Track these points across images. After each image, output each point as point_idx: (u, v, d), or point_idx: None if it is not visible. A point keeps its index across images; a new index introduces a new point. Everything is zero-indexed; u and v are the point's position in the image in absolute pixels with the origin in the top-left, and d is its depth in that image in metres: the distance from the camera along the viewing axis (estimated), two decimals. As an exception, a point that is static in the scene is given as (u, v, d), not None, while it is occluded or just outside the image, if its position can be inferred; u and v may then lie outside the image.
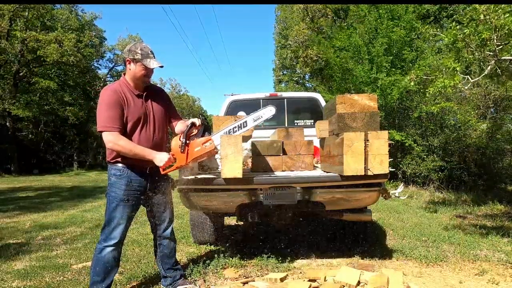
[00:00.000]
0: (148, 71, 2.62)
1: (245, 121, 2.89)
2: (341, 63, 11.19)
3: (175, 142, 2.64)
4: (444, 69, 4.76)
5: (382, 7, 10.77)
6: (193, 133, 2.70)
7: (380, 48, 10.35)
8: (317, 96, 5.64)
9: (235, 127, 2.84)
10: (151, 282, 3.06)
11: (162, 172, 2.60)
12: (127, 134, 2.57)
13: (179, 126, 2.90)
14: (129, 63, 2.63)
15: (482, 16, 4.18)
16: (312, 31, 19.57)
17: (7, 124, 22.56)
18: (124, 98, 2.57)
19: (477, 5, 4.26)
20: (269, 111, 2.93)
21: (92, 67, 29.83)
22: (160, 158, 2.55)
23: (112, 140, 2.49)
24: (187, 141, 2.61)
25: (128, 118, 2.57)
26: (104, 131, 2.49)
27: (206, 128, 2.78)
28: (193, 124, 2.71)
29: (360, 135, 2.80)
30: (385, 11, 10.68)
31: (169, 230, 2.88)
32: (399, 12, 10.62)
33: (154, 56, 2.63)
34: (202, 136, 2.71)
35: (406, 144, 10.12)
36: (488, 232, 4.80)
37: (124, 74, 2.70)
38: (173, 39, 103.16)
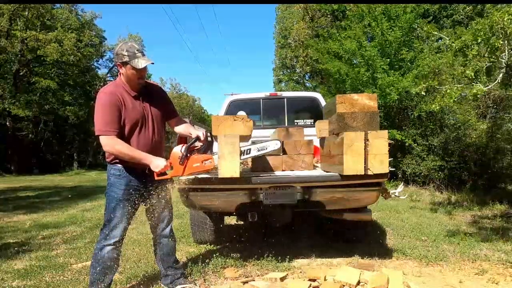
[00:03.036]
0: (139, 72, 2.54)
1: (249, 149, 2.87)
2: (336, 70, 11.23)
3: (176, 152, 2.60)
4: (456, 77, 4.72)
5: (378, 8, 10.76)
6: (196, 147, 2.66)
7: (373, 50, 10.36)
8: (317, 95, 5.64)
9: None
10: (151, 282, 3.06)
11: (156, 178, 2.57)
12: (125, 136, 2.55)
13: (181, 127, 2.87)
14: (120, 67, 2.57)
15: (495, 25, 4.12)
16: (313, 30, 19.54)
17: (7, 123, 22.57)
18: (122, 100, 2.53)
19: (496, 13, 4.21)
20: (274, 144, 2.95)
21: (92, 66, 29.87)
22: (156, 164, 2.53)
23: (109, 144, 2.47)
24: (188, 155, 2.58)
25: (126, 121, 2.54)
26: (101, 135, 2.47)
27: (210, 144, 2.74)
28: (197, 138, 2.67)
29: (360, 134, 2.80)
30: (380, 13, 10.67)
31: (168, 229, 2.88)
32: (398, 12, 10.61)
33: (142, 54, 2.52)
34: (204, 152, 2.67)
35: (407, 144, 10.13)
36: (488, 232, 4.80)
37: (121, 75, 2.65)
38: (174, 38, 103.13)
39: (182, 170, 2.59)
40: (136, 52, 2.50)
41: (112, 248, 2.60)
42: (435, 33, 6.12)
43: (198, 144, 2.68)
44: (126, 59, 2.50)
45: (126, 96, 2.57)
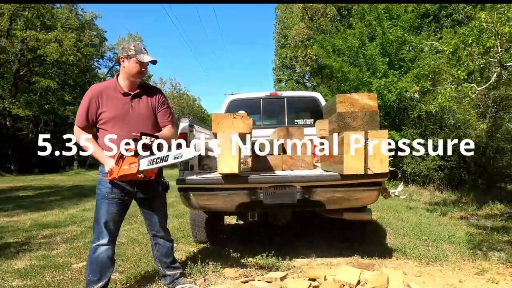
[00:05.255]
0: (142, 66, 2.65)
1: (167, 156, 2.56)
2: (339, 67, 11.21)
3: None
4: (449, 78, 4.72)
5: (379, 7, 10.75)
6: (135, 150, 2.44)
7: (374, 49, 10.35)
8: (317, 95, 5.65)
9: (158, 158, 2.51)
10: (150, 281, 3.06)
11: (106, 178, 2.54)
12: (105, 130, 2.60)
13: (164, 131, 2.75)
14: (123, 61, 2.66)
15: (484, 24, 4.13)
16: (312, 30, 19.51)
17: (7, 123, 22.57)
18: (101, 96, 2.60)
19: (481, 14, 4.20)
20: (188, 152, 2.61)
21: (92, 66, 29.85)
22: (108, 165, 2.52)
23: (77, 135, 2.61)
24: (124, 155, 2.46)
25: (105, 114, 2.60)
26: (76, 124, 2.62)
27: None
28: (139, 136, 2.48)
29: (360, 134, 2.80)
30: (383, 11, 10.66)
31: (164, 230, 2.87)
32: (399, 11, 10.61)
33: (147, 52, 2.68)
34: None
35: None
36: (488, 231, 4.80)
37: (118, 75, 2.72)
38: (174, 38, 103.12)
39: (117, 172, 2.47)
40: (143, 49, 2.66)
41: (106, 248, 2.62)
42: (427, 42, 6.14)
43: (140, 142, 2.46)
44: (132, 52, 2.62)
45: (111, 92, 2.64)
